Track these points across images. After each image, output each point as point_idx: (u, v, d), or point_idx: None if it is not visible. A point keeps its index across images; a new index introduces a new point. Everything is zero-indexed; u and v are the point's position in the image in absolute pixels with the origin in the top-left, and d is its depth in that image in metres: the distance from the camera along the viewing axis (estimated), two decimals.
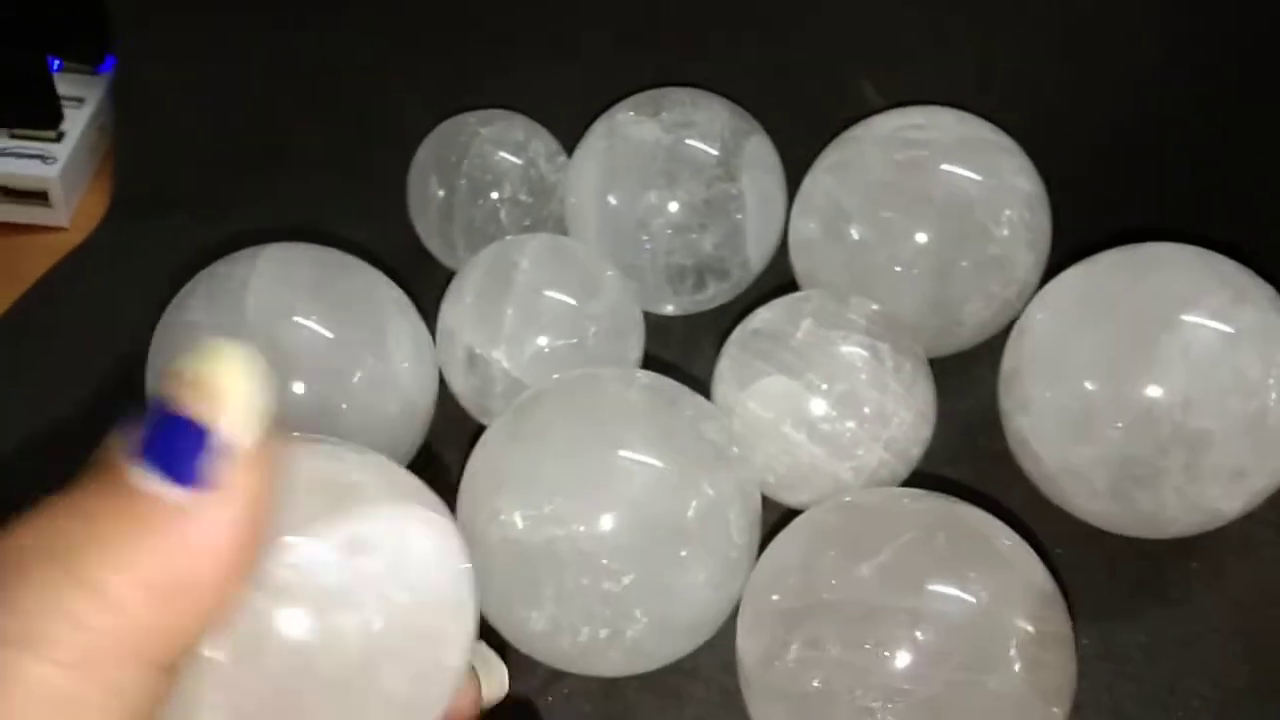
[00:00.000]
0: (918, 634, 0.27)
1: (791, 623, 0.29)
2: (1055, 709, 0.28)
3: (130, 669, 0.17)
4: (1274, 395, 0.32)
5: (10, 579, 0.16)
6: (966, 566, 0.28)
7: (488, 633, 0.31)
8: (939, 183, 0.38)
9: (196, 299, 0.35)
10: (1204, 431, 0.32)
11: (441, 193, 0.43)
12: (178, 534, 0.17)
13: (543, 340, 0.37)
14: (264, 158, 0.49)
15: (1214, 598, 0.36)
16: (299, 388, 0.34)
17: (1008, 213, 0.38)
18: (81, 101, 0.51)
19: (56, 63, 0.52)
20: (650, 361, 0.41)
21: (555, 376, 0.34)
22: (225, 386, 0.18)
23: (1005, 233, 0.38)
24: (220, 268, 0.35)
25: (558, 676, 0.34)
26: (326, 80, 0.49)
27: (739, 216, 0.41)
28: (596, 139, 0.42)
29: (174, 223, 0.47)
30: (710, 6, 0.47)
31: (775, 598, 0.30)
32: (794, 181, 0.42)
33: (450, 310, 0.38)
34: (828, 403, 0.34)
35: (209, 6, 0.49)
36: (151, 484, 0.17)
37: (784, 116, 0.44)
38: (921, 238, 0.38)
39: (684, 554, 0.30)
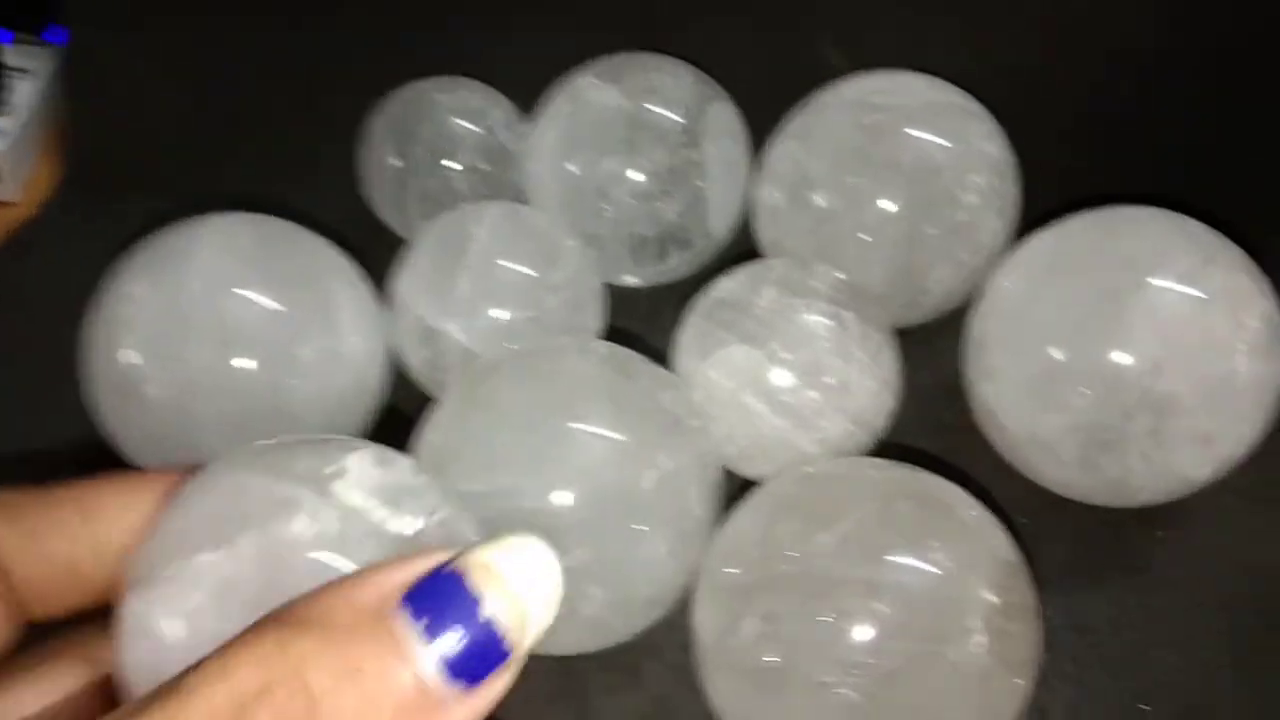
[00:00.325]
0: (878, 605, 0.26)
1: (748, 596, 0.28)
2: (1020, 680, 0.28)
3: None
4: (1243, 360, 0.32)
5: None
6: (929, 536, 0.28)
7: None
8: (906, 147, 0.37)
9: (135, 270, 0.34)
10: (1171, 395, 0.31)
11: (397, 162, 0.41)
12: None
13: (499, 312, 0.36)
14: (219, 128, 0.48)
15: (1182, 567, 0.36)
16: (244, 362, 0.33)
17: (976, 179, 0.37)
18: (27, 72, 0.50)
19: (8, 35, 0.51)
20: (613, 333, 0.40)
21: (509, 346, 0.33)
22: (534, 616, 0.19)
23: (974, 199, 0.37)
24: (161, 238, 0.34)
25: None
26: (283, 53, 0.48)
27: (701, 184, 0.40)
28: (557, 105, 0.41)
29: (127, 197, 0.46)
30: None
31: (731, 571, 0.29)
32: (759, 150, 0.41)
33: (403, 281, 0.37)
34: (792, 373, 0.34)
35: None
36: (439, 685, 0.18)
37: (749, 83, 0.43)
38: (888, 204, 0.37)
39: (641, 527, 0.30)
